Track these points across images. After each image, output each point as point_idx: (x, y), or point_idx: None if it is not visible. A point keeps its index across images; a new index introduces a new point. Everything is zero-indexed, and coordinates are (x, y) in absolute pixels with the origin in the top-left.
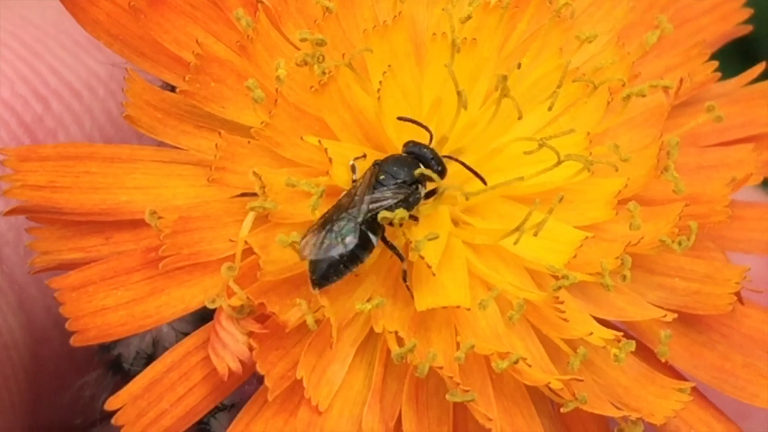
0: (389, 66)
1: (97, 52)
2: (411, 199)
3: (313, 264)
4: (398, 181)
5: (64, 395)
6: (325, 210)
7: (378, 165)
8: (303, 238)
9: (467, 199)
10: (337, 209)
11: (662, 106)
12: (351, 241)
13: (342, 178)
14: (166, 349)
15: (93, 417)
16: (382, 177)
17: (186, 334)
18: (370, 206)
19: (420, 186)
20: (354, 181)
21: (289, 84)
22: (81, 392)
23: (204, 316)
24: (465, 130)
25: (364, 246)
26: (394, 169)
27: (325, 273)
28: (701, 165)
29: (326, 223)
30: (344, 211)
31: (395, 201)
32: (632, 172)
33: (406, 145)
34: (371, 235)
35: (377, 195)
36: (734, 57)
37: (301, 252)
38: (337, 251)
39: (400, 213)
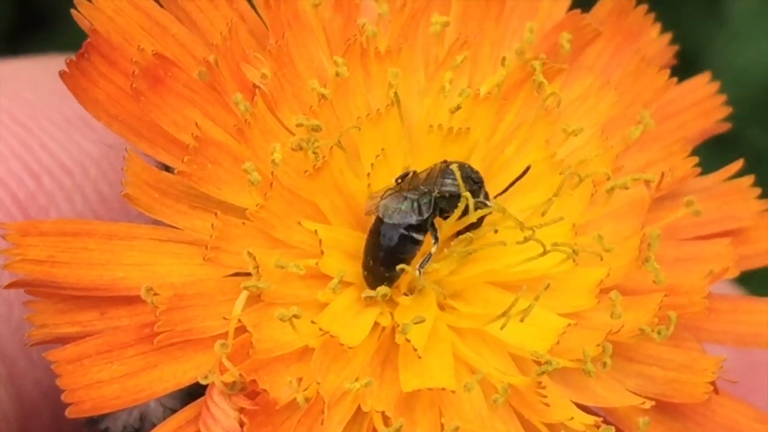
0: (382, 150)
1: (89, 132)
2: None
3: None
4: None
5: None
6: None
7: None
8: (377, 199)
9: (445, 298)
10: (413, 185)
11: (644, 199)
12: (426, 210)
13: (331, 268)
14: (154, 424)
15: None
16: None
17: (173, 410)
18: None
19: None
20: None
21: (283, 168)
22: None
23: (191, 393)
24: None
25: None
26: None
27: (395, 246)
28: (680, 257)
29: (402, 191)
30: (419, 189)
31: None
32: (614, 263)
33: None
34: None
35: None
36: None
37: (382, 211)
38: (411, 219)
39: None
